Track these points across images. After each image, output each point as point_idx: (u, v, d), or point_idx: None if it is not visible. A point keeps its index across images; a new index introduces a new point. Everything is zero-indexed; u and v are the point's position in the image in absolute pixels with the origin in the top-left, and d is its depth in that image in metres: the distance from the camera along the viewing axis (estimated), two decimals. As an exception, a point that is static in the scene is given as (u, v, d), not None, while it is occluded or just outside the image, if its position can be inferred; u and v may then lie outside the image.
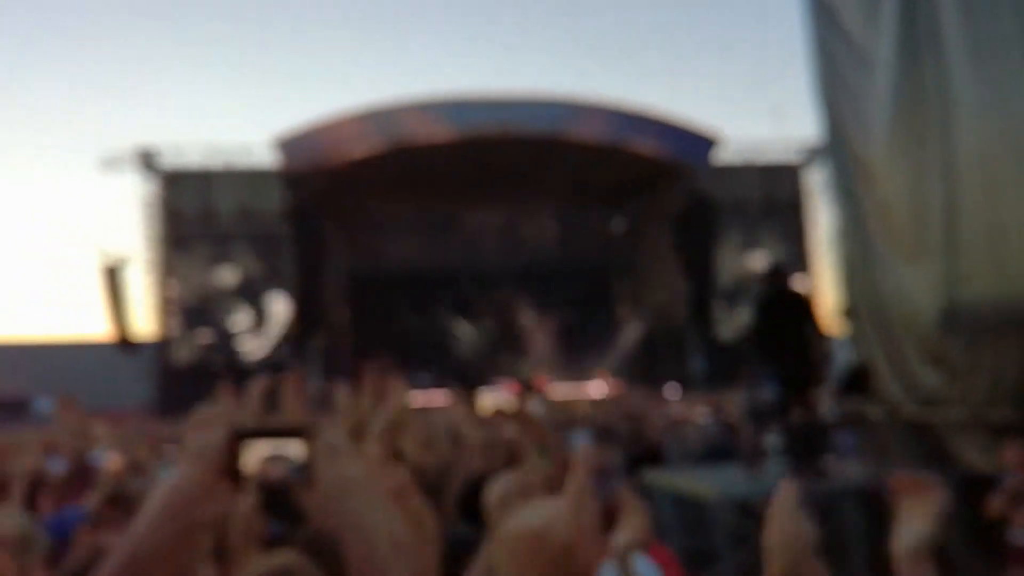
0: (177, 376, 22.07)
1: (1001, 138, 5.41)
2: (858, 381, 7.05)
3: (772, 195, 25.69)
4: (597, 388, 27.45)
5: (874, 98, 6.48)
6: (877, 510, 6.11)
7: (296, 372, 1.38)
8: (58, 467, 5.16)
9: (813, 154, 24.89)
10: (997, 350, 5.51)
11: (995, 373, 5.51)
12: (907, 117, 6.12)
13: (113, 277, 20.25)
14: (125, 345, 21.02)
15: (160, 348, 22.91)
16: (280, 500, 1.12)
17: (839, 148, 7.22)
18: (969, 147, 5.55)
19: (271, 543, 1.92)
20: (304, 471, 1.07)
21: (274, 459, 1.08)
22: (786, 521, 1.29)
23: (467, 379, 25.12)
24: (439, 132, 23.92)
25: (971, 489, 5.20)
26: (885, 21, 6.29)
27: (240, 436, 1.09)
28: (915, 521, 1.30)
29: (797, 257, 25.15)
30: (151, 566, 0.99)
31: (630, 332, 28.38)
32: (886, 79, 6.27)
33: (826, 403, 7.44)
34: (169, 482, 1.06)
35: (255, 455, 1.08)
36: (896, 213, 6.39)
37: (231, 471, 1.08)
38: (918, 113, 5.99)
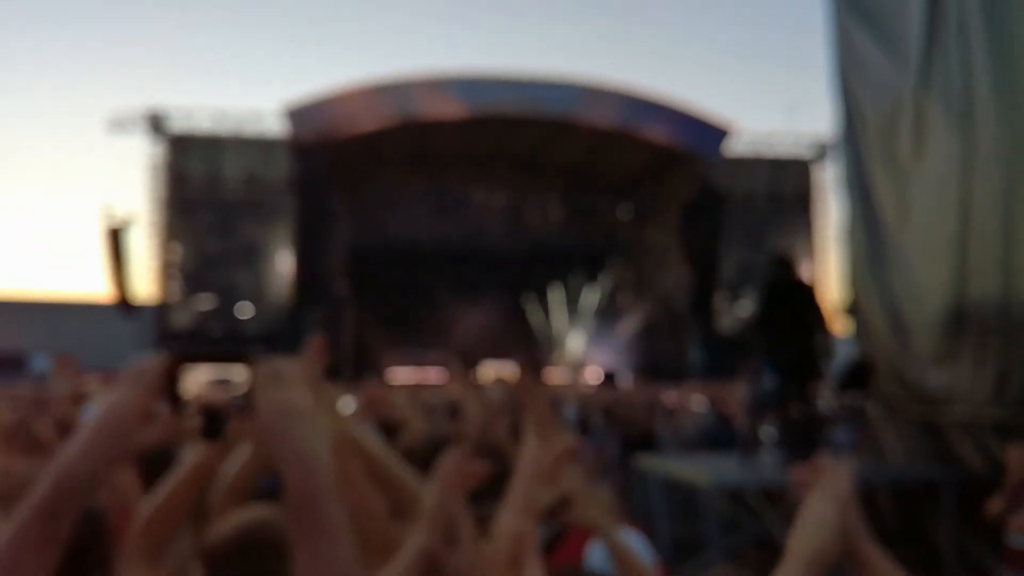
0: (175, 340, 22.10)
1: (1019, 138, 5.33)
2: (859, 376, 6.99)
3: (780, 188, 25.59)
4: (593, 373, 27.47)
5: (896, 90, 6.38)
6: (874, 507, 6.08)
7: (318, 338, 1.35)
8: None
9: (823, 149, 24.75)
10: (1003, 350, 5.44)
11: (1000, 373, 5.45)
12: (929, 112, 6.03)
13: (116, 238, 20.17)
14: (125, 307, 20.97)
15: (159, 311, 22.92)
16: (220, 424, 1.09)
17: (854, 140, 7.12)
18: (988, 145, 5.46)
19: (260, 497, 1.86)
20: (246, 397, 1.02)
21: (217, 383, 1.04)
22: (826, 504, 1.21)
23: (466, 356, 25.16)
24: (450, 109, 23.78)
25: (972, 490, 5.16)
26: (912, 11, 6.19)
27: (181, 360, 1.05)
28: (820, 512, 1.20)
29: (803, 251, 25.07)
30: (84, 484, 0.96)
31: (631, 320, 28.36)
32: (910, 69, 6.17)
33: (825, 397, 7.39)
34: (106, 403, 1.01)
35: (196, 379, 1.04)
36: (910, 209, 6.31)
37: (170, 394, 1.04)
38: (940, 109, 5.90)
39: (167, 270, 23.12)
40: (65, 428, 5.01)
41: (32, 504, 0.94)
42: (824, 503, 1.21)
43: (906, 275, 6.35)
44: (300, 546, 0.93)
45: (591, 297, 29.61)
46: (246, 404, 1.01)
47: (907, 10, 6.35)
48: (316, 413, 1.01)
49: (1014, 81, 5.38)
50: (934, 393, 5.98)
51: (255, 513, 1.64)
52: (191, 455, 1.41)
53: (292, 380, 1.02)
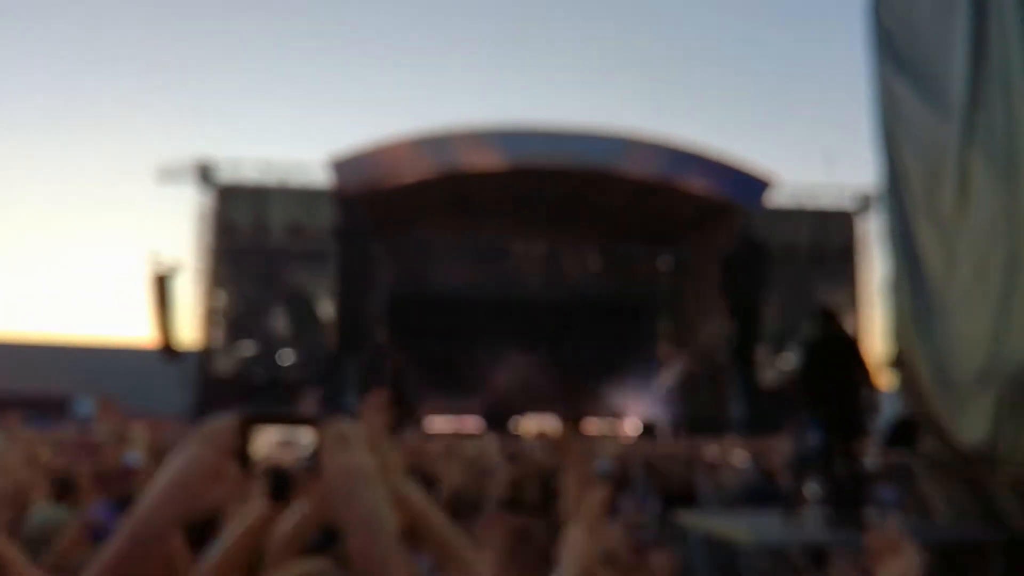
0: (217, 385, 22.35)
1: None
2: (904, 433, 6.84)
3: (823, 241, 25.36)
4: (632, 425, 27.16)
5: (940, 143, 6.34)
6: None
7: (379, 388, 1.40)
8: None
9: (866, 201, 24.54)
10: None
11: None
12: (972, 166, 5.97)
13: (162, 285, 20.61)
14: (168, 352, 21.31)
15: (202, 357, 23.21)
16: (287, 485, 1.12)
17: (897, 194, 7.06)
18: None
19: (311, 552, 1.88)
20: (313, 459, 1.06)
21: (284, 445, 1.07)
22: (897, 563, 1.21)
23: (503, 408, 25.04)
24: (491, 160, 24.08)
25: (1020, 550, 5.00)
26: (956, 62, 6.17)
27: (251, 421, 1.09)
28: None
29: (846, 305, 24.71)
30: (155, 541, 0.99)
31: (671, 372, 28.09)
32: (954, 123, 6.14)
33: (871, 453, 7.24)
34: (176, 462, 1.04)
35: (266, 441, 1.07)
36: (955, 264, 6.23)
37: (240, 454, 1.07)
38: (984, 163, 5.85)
39: (211, 317, 23.49)
40: (108, 472, 5.09)
41: (104, 559, 0.96)
42: None
43: (950, 330, 6.24)
44: None
45: (630, 349, 29.41)
46: (313, 466, 1.05)
47: (951, 63, 6.33)
48: (379, 476, 1.04)
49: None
50: (978, 451, 5.83)
51: (309, 566, 1.66)
52: (248, 514, 1.43)
53: (357, 443, 1.06)
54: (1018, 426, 5.53)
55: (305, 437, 1.08)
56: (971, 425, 5.98)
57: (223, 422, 1.08)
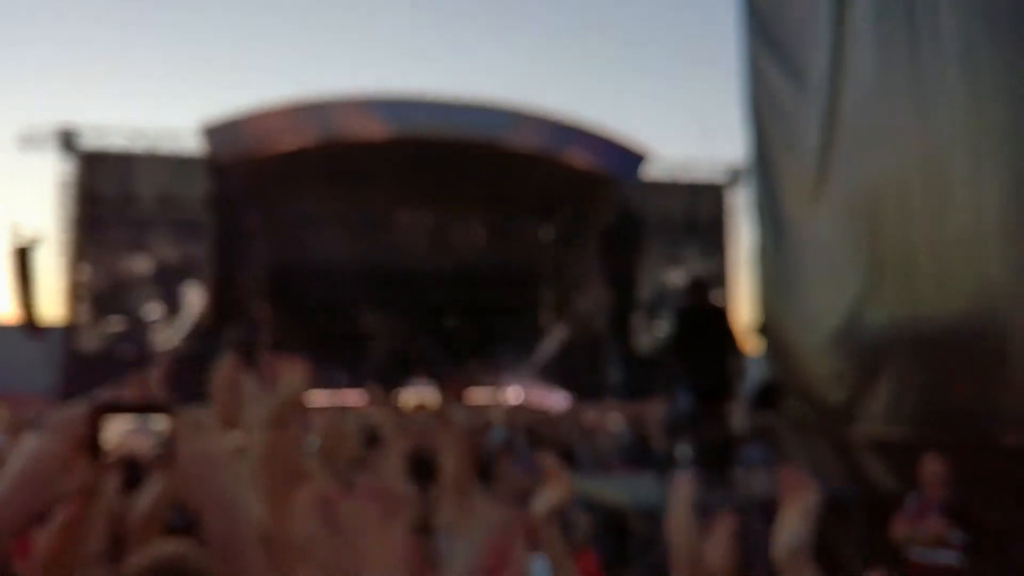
0: (84, 363, 21.30)
1: (910, 166, 5.63)
2: (769, 396, 7.23)
3: (695, 212, 26.25)
4: (515, 394, 27.55)
5: (803, 118, 6.67)
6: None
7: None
8: None
9: (737, 174, 25.53)
10: (896, 369, 5.71)
11: (894, 392, 5.71)
12: (834, 139, 6.31)
13: (23, 258, 19.40)
14: (31, 328, 20.15)
15: (67, 333, 22.07)
16: (140, 474, 1.12)
17: (764, 167, 7.40)
18: (885, 174, 5.76)
19: (172, 533, 1.86)
20: (166, 446, 1.05)
21: (137, 432, 1.07)
22: (681, 519, 1.32)
23: (387, 379, 24.92)
24: (373, 130, 23.68)
25: (879, 507, 5.38)
26: (819, 41, 6.49)
27: (102, 410, 1.07)
28: (794, 522, 1.33)
29: (717, 274, 25.73)
30: (3, 535, 0.97)
31: (552, 340, 28.58)
32: (816, 100, 6.47)
33: (738, 417, 7.61)
34: (27, 453, 1.02)
35: (117, 429, 1.07)
36: (815, 235, 6.58)
37: (91, 444, 1.05)
38: (844, 135, 6.19)
39: (76, 291, 22.30)
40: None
41: None
42: (797, 521, 1.30)
43: (810, 297, 6.62)
44: None
45: (514, 319, 29.74)
46: (166, 453, 1.04)
47: (814, 43, 6.65)
48: (238, 463, 1.05)
49: (917, 113, 5.66)
50: (837, 412, 6.23)
51: (170, 547, 1.65)
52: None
53: (213, 429, 1.05)
54: (867, 386, 5.95)
55: (158, 424, 1.07)
56: (826, 387, 6.38)
57: (72, 411, 1.06)
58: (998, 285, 4.86)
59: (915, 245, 5.53)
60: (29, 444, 1.04)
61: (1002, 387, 4.74)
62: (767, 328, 7.44)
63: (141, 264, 22.78)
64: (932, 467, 4.52)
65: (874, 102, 5.92)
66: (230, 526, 0.97)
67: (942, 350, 5.29)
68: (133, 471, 1.11)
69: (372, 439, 6.12)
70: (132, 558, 1.67)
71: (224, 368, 1.40)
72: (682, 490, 1.39)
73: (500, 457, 5.75)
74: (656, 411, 9.25)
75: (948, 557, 4.35)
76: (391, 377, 25.67)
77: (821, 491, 1.39)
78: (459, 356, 29.56)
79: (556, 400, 24.80)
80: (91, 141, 22.53)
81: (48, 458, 1.02)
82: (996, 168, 4.86)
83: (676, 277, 25.01)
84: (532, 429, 10.11)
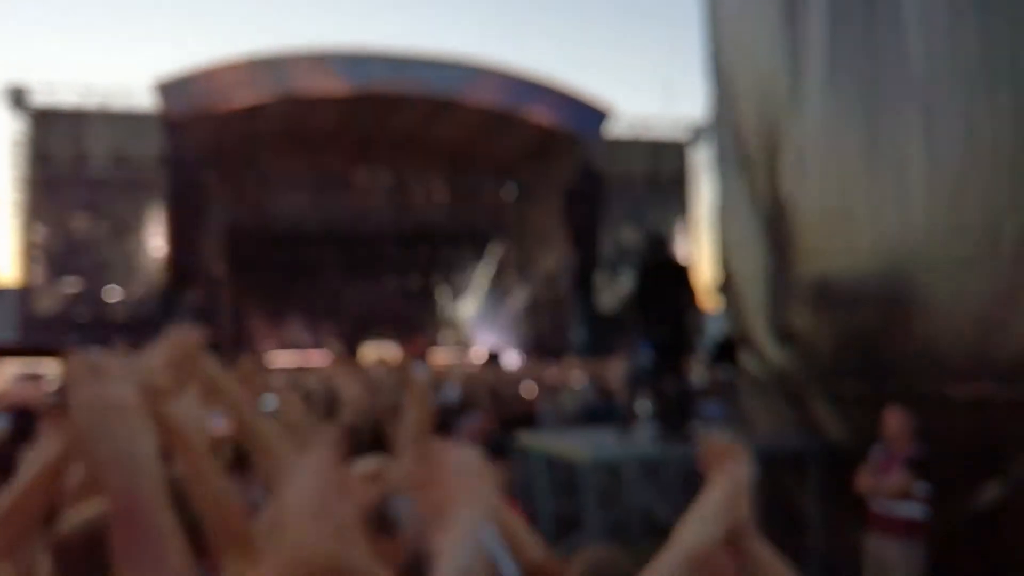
0: (40, 324, 20.93)
1: (846, 123, 5.69)
2: (727, 352, 7.31)
3: (657, 170, 26.29)
4: (478, 352, 27.64)
5: (768, 75, 6.65)
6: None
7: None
8: None
9: (698, 132, 25.57)
10: (838, 323, 5.79)
11: (837, 346, 5.79)
12: (800, 97, 6.31)
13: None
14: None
15: (23, 295, 21.65)
16: (31, 424, 1.03)
17: (726, 124, 7.38)
18: (850, 123, 5.77)
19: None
20: (60, 392, 0.98)
21: (27, 378, 0.99)
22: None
23: (349, 338, 24.80)
24: (331, 86, 23.26)
25: (836, 461, 5.47)
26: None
27: None
28: (714, 504, 1.23)
29: (678, 231, 25.89)
30: None
31: (515, 299, 28.64)
32: (781, 57, 6.45)
33: (697, 372, 7.68)
34: None
35: (5, 374, 0.99)
36: (776, 191, 6.61)
37: None
38: (809, 93, 6.19)
39: (31, 252, 21.83)
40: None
41: None
42: (721, 493, 1.22)
43: (756, 254, 6.68)
44: (122, 559, 0.84)
45: (476, 277, 29.71)
46: (60, 401, 0.96)
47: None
48: (140, 410, 0.93)
49: (880, 56, 5.61)
50: (781, 367, 6.32)
51: (104, 507, 1.60)
52: (40, 454, 1.34)
53: (111, 374, 0.93)
54: (810, 341, 6.04)
55: (51, 370, 0.99)
56: (771, 343, 6.48)
57: None
58: (927, 243, 4.97)
59: (852, 205, 5.60)
60: None
61: (943, 340, 4.82)
62: (726, 284, 7.49)
63: (96, 224, 22.31)
64: (897, 420, 4.57)
65: (833, 56, 5.92)
66: (128, 481, 0.85)
67: (880, 303, 5.37)
68: (23, 421, 1.02)
69: (332, 398, 6.11)
70: (65, 519, 1.62)
71: (182, 338, 1.32)
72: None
73: (454, 414, 5.74)
74: (618, 368, 9.30)
75: (912, 510, 4.42)
76: (353, 336, 25.58)
77: (750, 463, 1.31)
78: (420, 314, 29.53)
79: (514, 358, 24.93)
80: (42, 98, 21.90)
81: None
82: (948, 127, 4.89)
83: (638, 234, 25.12)
84: (494, 388, 10.14)
